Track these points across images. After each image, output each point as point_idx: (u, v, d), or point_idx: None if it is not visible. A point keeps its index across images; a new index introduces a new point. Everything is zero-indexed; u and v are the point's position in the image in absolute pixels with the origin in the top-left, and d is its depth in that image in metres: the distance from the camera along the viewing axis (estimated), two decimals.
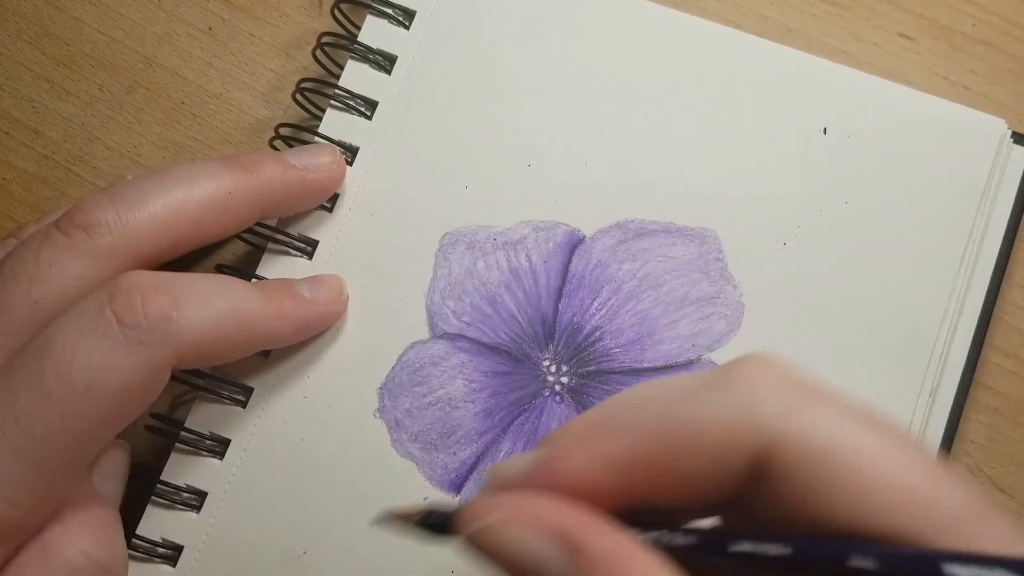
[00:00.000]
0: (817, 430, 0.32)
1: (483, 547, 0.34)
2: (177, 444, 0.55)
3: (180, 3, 0.64)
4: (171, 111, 0.63)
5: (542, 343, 0.56)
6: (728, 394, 0.34)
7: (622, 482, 0.35)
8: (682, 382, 0.36)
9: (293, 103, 0.61)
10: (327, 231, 0.58)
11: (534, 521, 0.33)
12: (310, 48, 0.62)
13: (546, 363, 0.56)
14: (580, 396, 0.56)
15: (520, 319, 0.57)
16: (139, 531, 0.54)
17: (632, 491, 0.35)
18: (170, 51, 0.64)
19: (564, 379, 0.56)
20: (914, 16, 0.64)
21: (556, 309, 0.57)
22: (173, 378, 0.48)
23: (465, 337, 0.56)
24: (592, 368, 0.56)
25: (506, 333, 0.56)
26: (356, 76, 0.60)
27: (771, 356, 0.35)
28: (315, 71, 0.63)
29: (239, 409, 0.55)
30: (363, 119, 0.59)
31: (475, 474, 0.55)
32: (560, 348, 0.56)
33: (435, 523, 0.38)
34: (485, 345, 0.56)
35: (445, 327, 0.56)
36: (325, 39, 0.59)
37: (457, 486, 0.55)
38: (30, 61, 0.64)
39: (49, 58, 0.64)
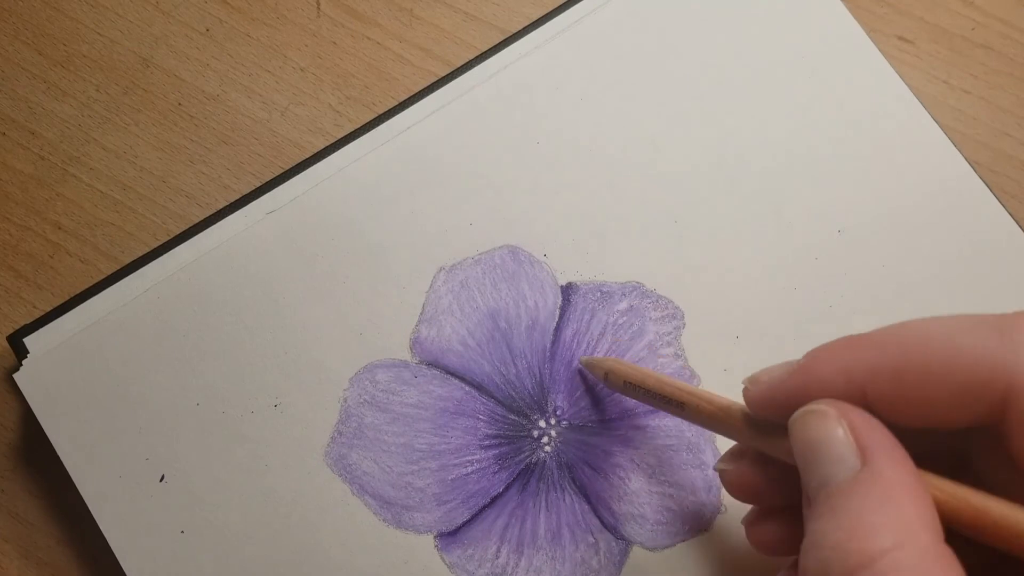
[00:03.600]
0: None
1: (797, 426, 0.38)
2: None
3: (178, 4, 0.64)
4: (168, 112, 0.63)
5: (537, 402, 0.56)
6: (993, 336, 0.36)
7: (871, 397, 0.38)
8: (953, 319, 0.38)
9: (290, 105, 0.61)
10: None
11: (848, 424, 0.37)
12: (308, 50, 0.63)
13: (540, 424, 0.56)
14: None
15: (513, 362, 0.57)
16: None
17: (879, 407, 0.38)
18: (167, 52, 0.63)
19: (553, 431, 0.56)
20: (914, 19, 0.64)
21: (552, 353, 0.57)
22: None
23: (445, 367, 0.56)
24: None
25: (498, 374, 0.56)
26: None
27: None
28: (313, 72, 0.63)
29: None
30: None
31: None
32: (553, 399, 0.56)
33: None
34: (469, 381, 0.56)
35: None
36: None
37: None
38: (27, 61, 0.63)
39: (46, 59, 0.63)
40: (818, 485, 0.37)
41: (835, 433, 0.37)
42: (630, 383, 0.50)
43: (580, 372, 0.56)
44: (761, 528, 0.45)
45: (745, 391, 0.42)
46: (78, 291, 0.58)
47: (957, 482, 0.36)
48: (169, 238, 0.59)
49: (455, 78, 0.61)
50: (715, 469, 0.48)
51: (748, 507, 0.47)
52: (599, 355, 0.56)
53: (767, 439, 0.41)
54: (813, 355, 0.40)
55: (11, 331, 0.57)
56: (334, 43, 0.64)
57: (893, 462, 0.35)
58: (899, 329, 0.38)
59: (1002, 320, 0.36)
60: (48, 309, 0.58)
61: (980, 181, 0.59)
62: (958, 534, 0.36)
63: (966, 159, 0.59)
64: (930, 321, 0.38)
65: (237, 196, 0.60)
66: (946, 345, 0.36)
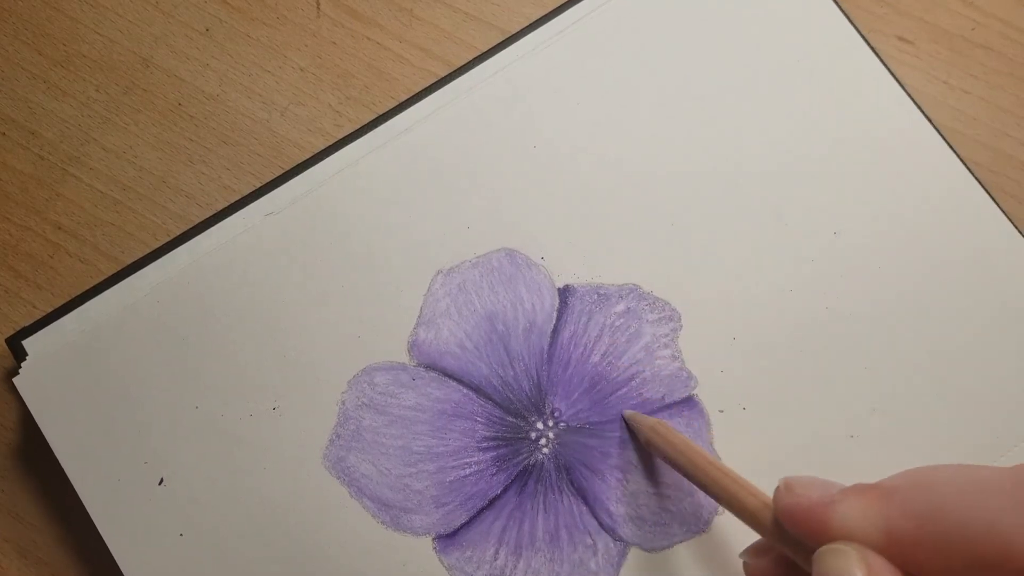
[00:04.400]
0: None
1: (822, 559, 0.39)
2: None
3: (177, 4, 0.64)
4: (168, 112, 0.62)
5: (534, 402, 0.56)
6: (1012, 507, 0.35)
7: (890, 553, 0.38)
8: (971, 477, 0.37)
9: (290, 105, 0.61)
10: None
11: (868, 569, 0.37)
12: (308, 50, 0.63)
13: (538, 425, 0.56)
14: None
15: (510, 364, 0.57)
16: None
17: (897, 563, 0.38)
18: (167, 52, 0.63)
19: (551, 433, 0.56)
20: (913, 20, 0.64)
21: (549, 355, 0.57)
22: None
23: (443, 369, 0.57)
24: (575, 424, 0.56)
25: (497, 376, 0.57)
26: None
27: None
28: (313, 72, 0.63)
29: None
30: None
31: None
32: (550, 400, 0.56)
33: None
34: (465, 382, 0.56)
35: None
36: None
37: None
38: (27, 61, 0.63)
39: (46, 59, 0.63)
40: None
41: (855, 572, 0.37)
42: (671, 450, 0.51)
43: (624, 421, 0.56)
44: (758, 563, 0.46)
45: (777, 493, 0.43)
46: (78, 291, 0.58)
47: None
48: (169, 239, 0.59)
49: (452, 80, 0.61)
50: (740, 557, 0.48)
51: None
52: (596, 356, 0.56)
53: (793, 547, 0.42)
54: (844, 495, 0.40)
55: (11, 331, 0.57)
56: (334, 43, 0.64)
57: None
58: (921, 494, 0.38)
59: (1015, 486, 0.36)
60: (48, 309, 0.58)
61: (976, 183, 0.59)
62: None
63: (962, 161, 0.59)
64: (947, 481, 0.38)
65: (237, 196, 0.60)
66: (960, 518, 0.36)
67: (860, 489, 0.40)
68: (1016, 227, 0.58)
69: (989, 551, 0.35)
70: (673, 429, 0.52)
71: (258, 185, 0.60)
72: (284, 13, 0.64)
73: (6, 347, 0.57)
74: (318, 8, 0.64)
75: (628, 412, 0.55)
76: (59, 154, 0.62)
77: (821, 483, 0.41)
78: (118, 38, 0.63)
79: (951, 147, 0.59)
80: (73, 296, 0.58)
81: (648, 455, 0.55)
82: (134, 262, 0.58)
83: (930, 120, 0.59)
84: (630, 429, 0.55)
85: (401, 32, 0.64)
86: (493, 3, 0.64)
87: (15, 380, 0.56)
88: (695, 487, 0.51)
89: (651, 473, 0.55)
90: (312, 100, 0.63)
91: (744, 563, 0.47)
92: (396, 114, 0.60)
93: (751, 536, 0.45)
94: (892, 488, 0.39)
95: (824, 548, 0.39)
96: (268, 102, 0.63)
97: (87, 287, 0.58)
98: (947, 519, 0.36)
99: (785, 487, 0.42)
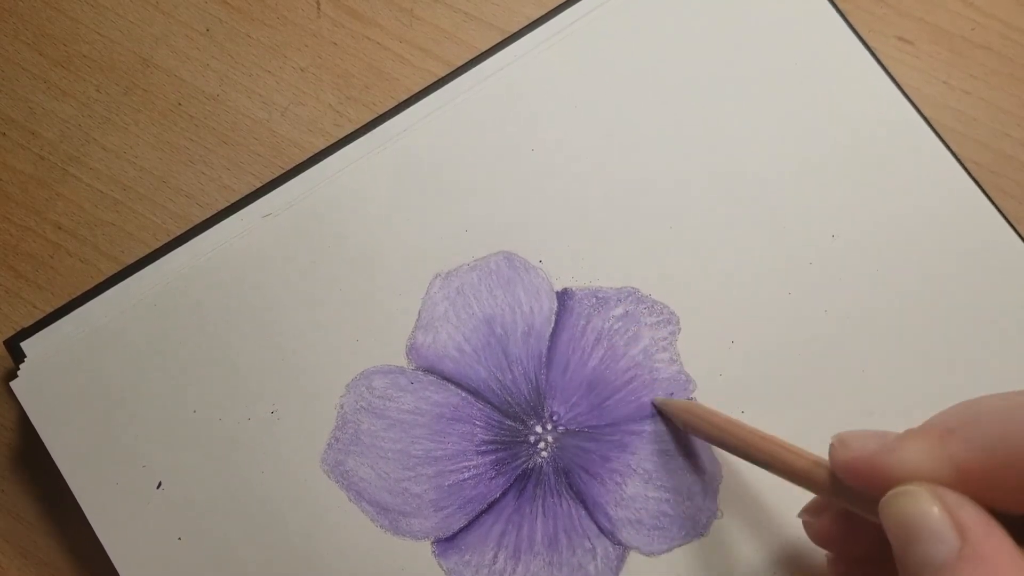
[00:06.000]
0: None
1: (890, 506, 0.38)
2: None
3: (178, 4, 0.64)
4: (168, 112, 0.62)
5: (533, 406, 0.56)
6: None
7: (958, 487, 0.37)
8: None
9: (290, 106, 0.61)
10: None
11: (942, 503, 0.37)
12: (308, 50, 0.62)
13: (537, 429, 0.56)
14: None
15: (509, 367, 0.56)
16: None
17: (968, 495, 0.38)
18: (167, 52, 0.63)
19: (550, 437, 0.56)
20: (913, 20, 0.64)
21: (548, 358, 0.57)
22: None
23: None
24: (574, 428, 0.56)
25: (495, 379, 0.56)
26: None
27: None
28: (313, 72, 0.63)
29: None
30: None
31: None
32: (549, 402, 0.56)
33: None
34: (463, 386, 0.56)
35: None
36: None
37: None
38: (27, 62, 0.63)
39: (46, 59, 0.63)
40: (918, 565, 0.37)
41: (931, 511, 0.37)
42: (711, 428, 0.51)
43: (655, 408, 0.56)
44: (817, 521, 0.47)
45: (832, 450, 0.42)
46: (78, 291, 0.58)
47: None
48: (169, 239, 0.59)
49: (450, 81, 0.61)
50: (799, 517, 0.49)
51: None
52: (594, 360, 0.56)
53: (854, 500, 0.42)
54: (902, 441, 0.40)
55: (12, 332, 0.57)
56: (334, 43, 0.63)
57: (993, 539, 0.36)
58: (984, 420, 0.38)
59: None
60: (48, 310, 0.58)
61: (974, 184, 0.58)
62: None
63: (960, 162, 0.59)
64: (1001, 411, 0.37)
65: (237, 196, 0.60)
66: (1016, 436, 0.36)
67: (917, 433, 0.39)
68: (1015, 228, 0.57)
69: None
70: (706, 406, 0.52)
71: (258, 185, 0.60)
72: (284, 13, 0.64)
73: (5, 349, 0.57)
74: (318, 8, 0.64)
75: (658, 399, 0.55)
76: (59, 154, 0.62)
77: (874, 434, 0.41)
78: (118, 38, 0.63)
79: (949, 148, 0.59)
80: (73, 297, 0.57)
81: (652, 456, 0.54)
82: (131, 264, 0.58)
83: (928, 121, 0.59)
84: (663, 415, 0.55)
85: (401, 32, 0.64)
86: (493, 3, 0.64)
87: (12, 384, 0.55)
88: (695, 490, 0.51)
89: (650, 477, 0.54)
90: (312, 100, 0.62)
91: (804, 522, 0.47)
92: (393, 116, 0.60)
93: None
94: (950, 426, 0.38)
95: (891, 493, 0.39)
96: (268, 102, 0.62)
97: (87, 287, 0.57)
98: (1015, 444, 0.36)
99: (839, 443, 0.42)
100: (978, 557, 0.35)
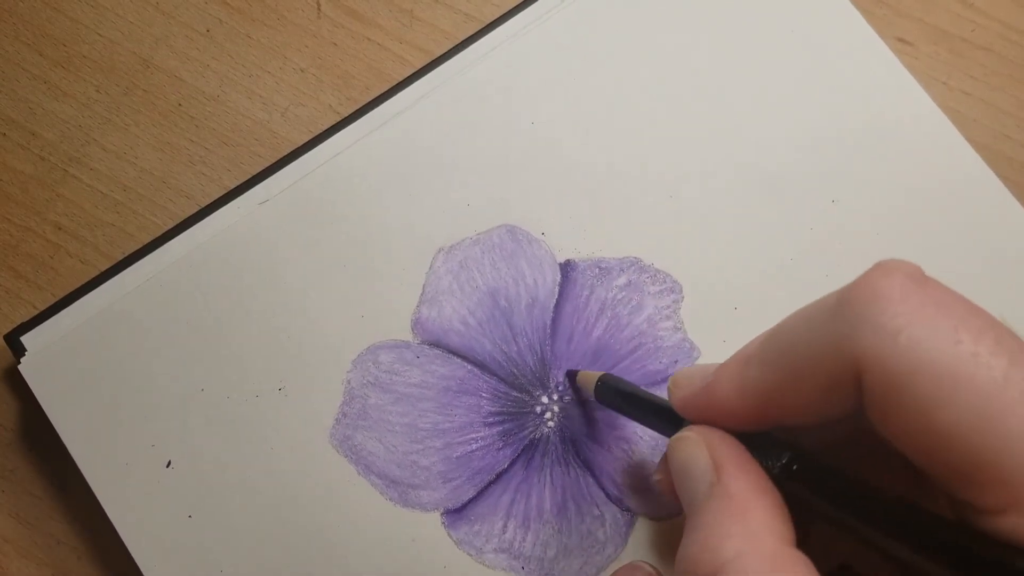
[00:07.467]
0: (905, 353, 0.35)
1: (670, 450, 0.45)
2: None
3: (178, 5, 0.67)
4: (168, 113, 0.66)
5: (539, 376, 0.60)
6: (835, 319, 0.38)
7: (761, 408, 0.42)
8: (808, 309, 0.40)
9: (290, 106, 0.65)
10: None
11: (707, 446, 0.42)
12: (308, 51, 0.66)
13: (543, 399, 0.60)
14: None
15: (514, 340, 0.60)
16: None
17: (770, 414, 0.42)
18: (168, 53, 0.67)
19: (556, 407, 0.59)
20: (913, 21, 0.67)
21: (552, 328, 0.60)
22: None
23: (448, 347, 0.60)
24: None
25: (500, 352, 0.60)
26: None
27: (899, 264, 0.38)
28: (313, 73, 0.66)
29: None
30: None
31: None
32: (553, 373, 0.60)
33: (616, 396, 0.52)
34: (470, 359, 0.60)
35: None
36: None
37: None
38: (27, 62, 0.66)
39: (47, 59, 0.66)
40: (686, 502, 0.42)
41: (695, 453, 0.42)
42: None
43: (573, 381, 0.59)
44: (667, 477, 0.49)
45: (669, 392, 0.47)
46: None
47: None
48: (164, 230, 0.62)
49: (449, 58, 0.64)
50: (653, 479, 0.52)
51: None
52: (599, 330, 0.60)
53: None
54: (716, 375, 0.44)
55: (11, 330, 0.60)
56: (334, 44, 0.67)
57: (741, 476, 0.40)
58: (770, 341, 0.41)
59: (839, 298, 0.38)
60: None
61: (973, 152, 0.62)
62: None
63: (959, 130, 0.62)
64: (782, 327, 0.41)
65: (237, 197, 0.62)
66: (798, 349, 0.39)
67: (726, 364, 0.43)
68: (1012, 192, 0.61)
69: (832, 370, 0.37)
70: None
71: (258, 182, 0.63)
72: (285, 14, 0.67)
73: (5, 345, 0.60)
74: (318, 9, 0.67)
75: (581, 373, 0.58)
76: (59, 155, 0.65)
77: (700, 370, 0.45)
78: (119, 39, 0.67)
79: (946, 115, 0.63)
80: (71, 291, 0.61)
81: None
82: (127, 256, 0.61)
83: (925, 90, 0.63)
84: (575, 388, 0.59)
85: (401, 33, 0.67)
86: (493, 4, 0.68)
87: (20, 366, 0.58)
88: None
89: (656, 443, 0.58)
90: (312, 101, 0.66)
91: (657, 482, 0.50)
92: (391, 96, 0.64)
93: None
94: (750, 351, 0.42)
95: (673, 439, 0.44)
96: (269, 103, 0.66)
97: (84, 282, 0.61)
98: (793, 359, 0.39)
99: (672, 384, 0.46)
100: (726, 494, 0.40)
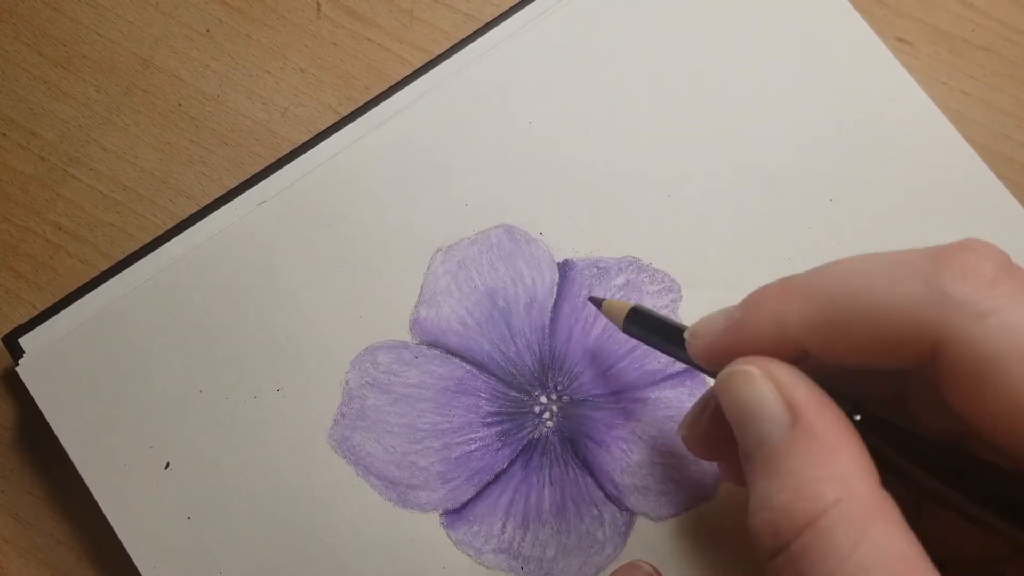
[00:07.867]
0: (996, 336, 0.35)
1: (724, 387, 0.42)
2: None
3: (178, 5, 0.67)
4: (168, 113, 0.66)
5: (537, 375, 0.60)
6: (921, 282, 0.37)
7: (800, 344, 0.40)
8: (888, 259, 0.39)
9: (290, 106, 0.65)
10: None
11: (775, 382, 0.40)
12: (308, 51, 0.66)
13: (542, 399, 0.59)
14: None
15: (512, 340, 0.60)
16: None
17: (809, 350, 0.40)
18: (168, 53, 0.67)
19: (555, 406, 0.59)
20: (913, 21, 0.67)
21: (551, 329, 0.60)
22: None
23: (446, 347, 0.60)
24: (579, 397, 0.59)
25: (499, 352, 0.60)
26: None
27: (989, 246, 0.37)
28: (313, 73, 0.66)
29: None
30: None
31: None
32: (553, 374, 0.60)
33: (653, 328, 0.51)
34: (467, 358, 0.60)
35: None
36: None
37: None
38: (27, 62, 0.67)
39: (46, 59, 0.67)
40: (754, 445, 0.40)
41: (763, 391, 0.40)
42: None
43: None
44: (693, 433, 0.49)
45: (688, 347, 0.46)
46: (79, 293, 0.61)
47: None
48: (162, 231, 0.62)
49: (447, 58, 0.64)
50: (678, 435, 0.51)
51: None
52: (597, 329, 0.59)
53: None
54: (747, 307, 0.42)
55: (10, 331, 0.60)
56: (334, 44, 0.67)
57: (824, 416, 0.38)
58: (828, 277, 0.40)
59: (929, 264, 0.37)
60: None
61: (971, 150, 0.62)
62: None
63: (958, 130, 0.62)
64: (856, 268, 0.39)
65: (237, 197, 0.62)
66: (870, 297, 0.38)
67: (758, 296, 0.42)
68: (1010, 190, 0.61)
69: (904, 330, 0.37)
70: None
71: (257, 183, 0.63)
72: (284, 14, 0.67)
73: (3, 347, 0.60)
74: (318, 9, 0.67)
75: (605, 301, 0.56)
76: (59, 155, 0.65)
77: (719, 313, 0.44)
78: (119, 39, 0.67)
79: (943, 113, 0.62)
80: (71, 291, 0.61)
81: (657, 422, 0.57)
82: (124, 258, 0.61)
83: (923, 88, 0.63)
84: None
85: (401, 33, 0.67)
86: (493, 4, 0.68)
87: (18, 368, 0.58)
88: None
89: (655, 443, 0.57)
90: (312, 101, 0.66)
91: (684, 439, 0.50)
92: (388, 97, 0.63)
93: None
94: (799, 281, 0.41)
95: (724, 373, 0.42)
96: (268, 103, 0.66)
97: (82, 284, 0.61)
98: (857, 303, 0.38)
99: (691, 336, 0.45)
100: (810, 435, 0.38)
